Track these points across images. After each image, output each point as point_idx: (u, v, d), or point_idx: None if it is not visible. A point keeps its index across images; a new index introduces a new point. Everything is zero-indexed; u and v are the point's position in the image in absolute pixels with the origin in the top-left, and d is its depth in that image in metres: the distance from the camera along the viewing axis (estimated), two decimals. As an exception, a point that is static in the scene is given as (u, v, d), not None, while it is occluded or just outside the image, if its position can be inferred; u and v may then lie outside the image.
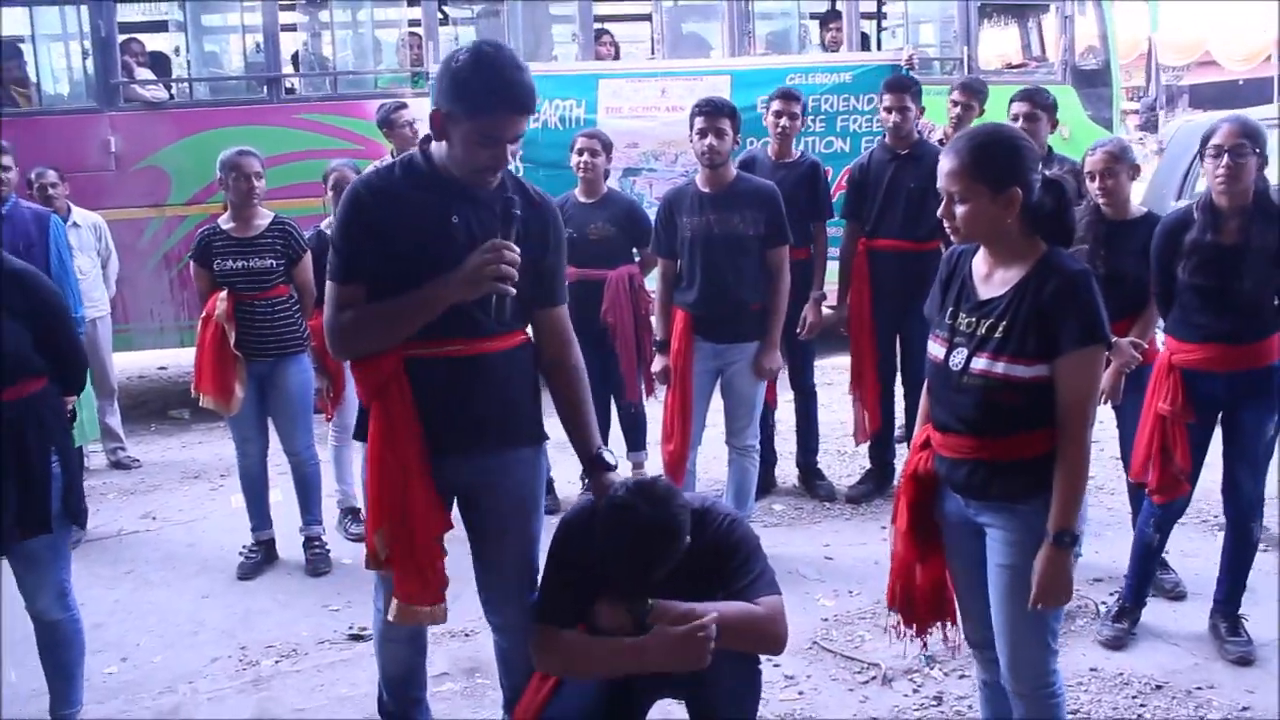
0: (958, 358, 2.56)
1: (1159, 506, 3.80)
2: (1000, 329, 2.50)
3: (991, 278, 2.58)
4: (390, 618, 2.79)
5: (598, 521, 2.63)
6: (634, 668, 2.67)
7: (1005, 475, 2.54)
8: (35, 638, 3.38)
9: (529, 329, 2.87)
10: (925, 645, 2.92)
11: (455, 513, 2.89)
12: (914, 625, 2.88)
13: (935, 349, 2.65)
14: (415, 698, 3.19)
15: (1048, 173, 2.57)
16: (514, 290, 2.60)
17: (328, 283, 2.70)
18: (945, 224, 2.58)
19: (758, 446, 4.71)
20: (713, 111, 4.42)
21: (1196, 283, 3.59)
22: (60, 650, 3.38)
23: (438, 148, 2.68)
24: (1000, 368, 2.48)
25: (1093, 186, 4.00)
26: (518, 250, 2.58)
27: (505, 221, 2.62)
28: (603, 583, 2.69)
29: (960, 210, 2.52)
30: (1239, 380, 3.63)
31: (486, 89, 2.50)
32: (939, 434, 2.66)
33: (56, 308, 3.27)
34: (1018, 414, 2.50)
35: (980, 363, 2.51)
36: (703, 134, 4.43)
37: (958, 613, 2.87)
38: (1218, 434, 3.78)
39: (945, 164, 2.54)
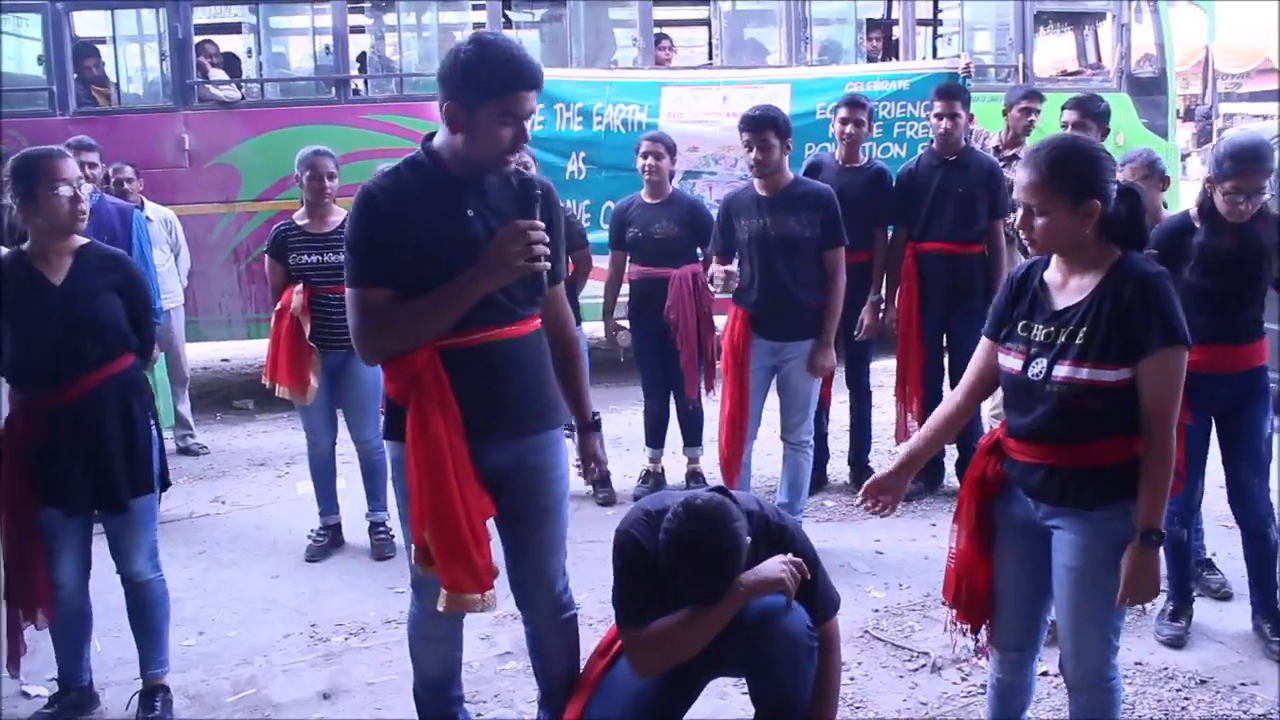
0: (1038, 367, 2.58)
1: (1170, 501, 3.88)
2: (1081, 335, 2.52)
3: (1066, 286, 2.61)
4: (440, 608, 2.78)
5: (661, 551, 2.72)
6: (725, 622, 2.77)
7: (1080, 481, 2.58)
8: (126, 602, 3.58)
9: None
10: (978, 640, 2.94)
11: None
12: (970, 622, 2.91)
13: (1011, 361, 2.66)
14: (457, 696, 3.20)
15: (1122, 181, 2.61)
16: (548, 265, 2.65)
17: (347, 289, 2.71)
18: (1023, 235, 2.60)
19: (812, 442, 4.82)
20: (755, 127, 4.50)
21: (1202, 285, 3.65)
22: (152, 609, 3.58)
23: (443, 144, 2.70)
24: (1084, 373, 2.51)
25: None
26: (542, 226, 2.63)
27: (527, 201, 2.68)
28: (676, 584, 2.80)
29: (1039, 223, 2.53)
30: (1238, 380, 3.73)
31: (502, 70, 2.56)
32: (1013, 440, 2.68)
33: (145, 288, 3.51)
34: (1097, 420, 2.54)
35: (1063, 370, 2.53)
36: (749, 147, 4.54)
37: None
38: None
39: (1024, 176, 2.54)
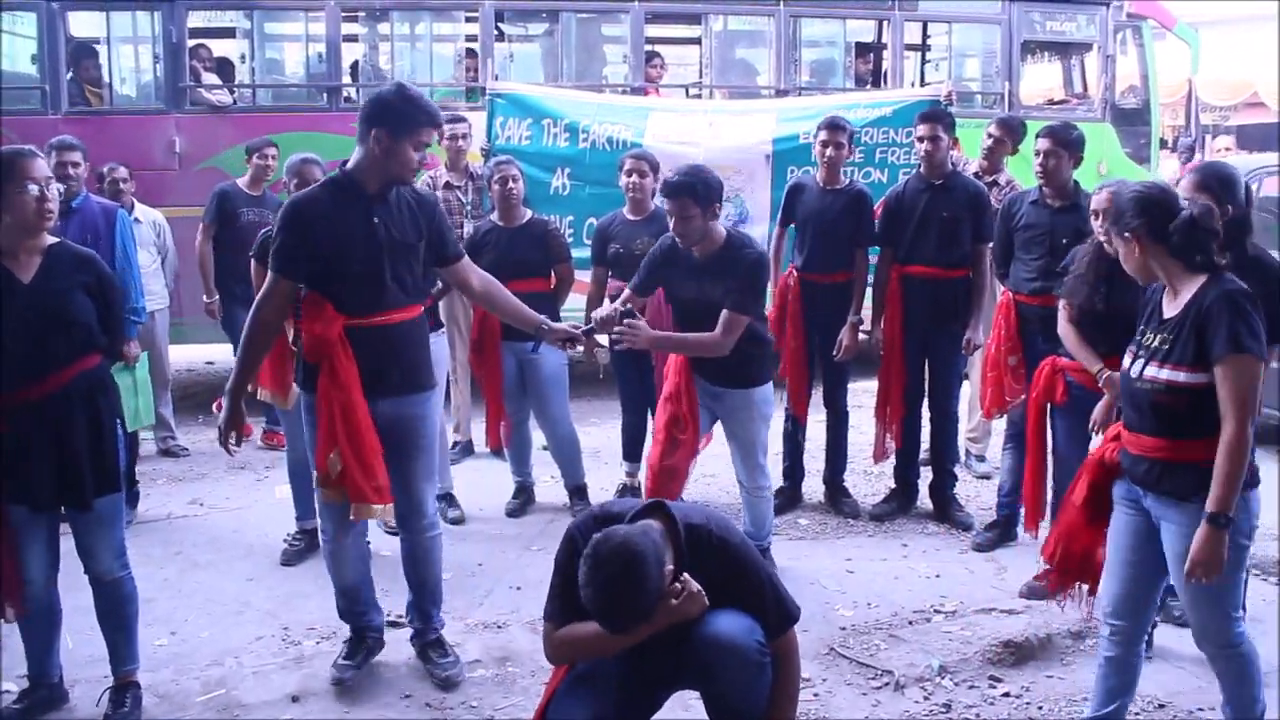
0: (1137, 367, 3.03)
1: None
2: (1169, 340, 2.96)
3: (1175, 299, 3.02)
4: (352, 516, 3.68)
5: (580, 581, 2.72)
6: (639, 637, 2.82)
7: (1176, 473, 2.96)
8: (95, 601, 3.61)
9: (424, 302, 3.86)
10: (1065, 597, 3.59)
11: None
12: (1064, 582, 3.50)
13: (1126, 361, 3.11)
14: (370, 598, 4.03)
15: (1192, 211, 2.95)
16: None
17: (269, 272, 3.57)
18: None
19: (770, 485, 4.81)
20: (673, 193, 4.29)
21: None
22: (121, 607, 3.61)
23: (357, 166, 3.56)
24: (1165, 374, 2.95)
25: (1097, 225, 4.07)
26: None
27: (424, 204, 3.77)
28: None
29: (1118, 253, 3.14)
30: None
31: (420, 112, 3.56)
32: (1126, 431, 3.11)
33: (116, 289, 3.58)
34: (1183, 418, 2.93)
35: (1151, 370, 2.99)
36: (669, 214, 4.37)
37: (1100, 581, 3.31)
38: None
39: None
